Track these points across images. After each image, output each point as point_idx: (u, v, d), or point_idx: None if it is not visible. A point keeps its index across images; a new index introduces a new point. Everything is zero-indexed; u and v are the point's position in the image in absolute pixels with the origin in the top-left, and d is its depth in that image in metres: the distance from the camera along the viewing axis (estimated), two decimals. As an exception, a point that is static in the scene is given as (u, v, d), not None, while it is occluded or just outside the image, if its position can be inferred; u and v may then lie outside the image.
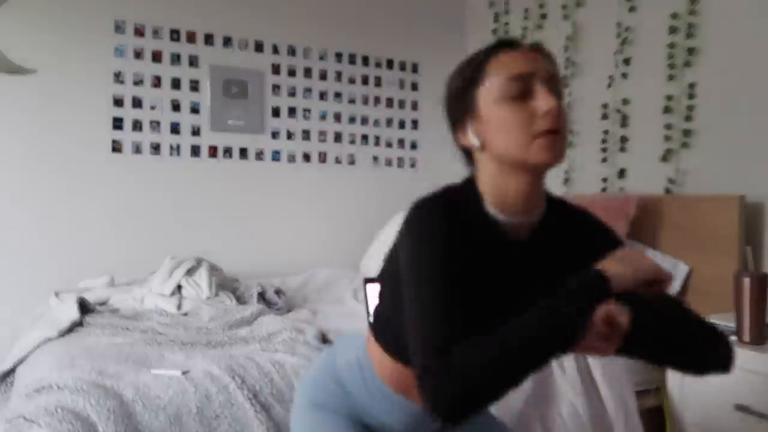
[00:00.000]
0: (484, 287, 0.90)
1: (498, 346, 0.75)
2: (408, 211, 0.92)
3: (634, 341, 0.85)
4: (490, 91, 0.91)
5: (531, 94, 0.89)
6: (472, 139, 0.94)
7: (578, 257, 0.95)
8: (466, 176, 1.00)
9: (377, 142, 3.56)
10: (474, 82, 0.93)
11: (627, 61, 2.64)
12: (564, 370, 1.85)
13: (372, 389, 1.06)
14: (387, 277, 0.99)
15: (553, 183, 2.91)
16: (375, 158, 3.56)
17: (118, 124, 2.96)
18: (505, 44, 0.93)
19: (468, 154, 0.99)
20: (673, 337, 0.90)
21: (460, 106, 0.95)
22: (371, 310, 1.92)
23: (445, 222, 0.88)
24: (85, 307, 2.12)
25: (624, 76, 2.65)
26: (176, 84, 3.08)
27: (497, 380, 0.75)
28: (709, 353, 0.91)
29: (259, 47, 3.26)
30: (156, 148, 3.04)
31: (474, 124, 0.93)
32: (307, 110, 3.38)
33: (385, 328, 1.03)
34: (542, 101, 0.88)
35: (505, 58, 0.91)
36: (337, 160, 3.46)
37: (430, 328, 0.80)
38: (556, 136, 0.88)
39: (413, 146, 3.66)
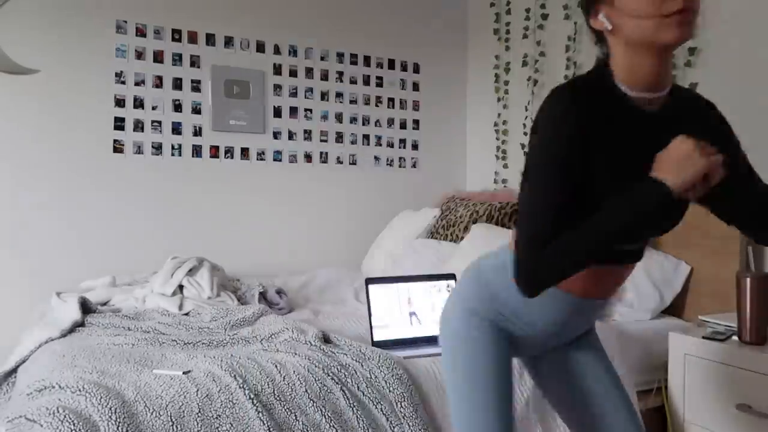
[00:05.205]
0: (619, 155, 1.00)
1: (572, 248, 0.94)
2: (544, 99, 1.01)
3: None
4: None
5: None
6: (603, 23, 1.01)
7: (702, 132, 1.03)
8: (598, 60, 1.09)
9: (378, 143, 3.56)
10: None
11: (628, 61, 2.63)
12: (565, 370, 1.85)
13: None
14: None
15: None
16: (376, 158, 3.56)
17: (119, 124, 2.97)
18: None
19: (600, 35, 1.07)
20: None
21: None
22: (373, 311, 1.93)
23: (573, 106, 0.97)
24: (86, 307, 2.12)
25: (625, 76, 2.65)
26: (178, 84, 3.09)
27: (568, 272, 0.96)
28: None
29: (260, 47, 3.27)
30: (158, 149, 3.05)
31: (606, 8, 1.00)
32: (308, 110, 3.39)
33: None
34: None
35: None
36: (339, 161, 3.47)
37: (533, 230, 0.96)
38: (686, 13, 0.93)
39: (414, 146, 3.67)
